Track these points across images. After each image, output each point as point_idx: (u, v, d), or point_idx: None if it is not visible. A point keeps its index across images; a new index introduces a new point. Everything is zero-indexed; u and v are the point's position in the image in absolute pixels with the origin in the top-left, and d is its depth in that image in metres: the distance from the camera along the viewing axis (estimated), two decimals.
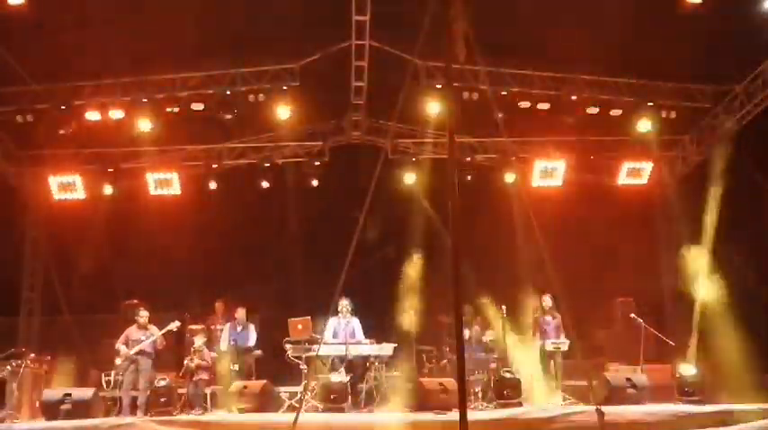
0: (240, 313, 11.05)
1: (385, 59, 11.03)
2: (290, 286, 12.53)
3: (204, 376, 10.08)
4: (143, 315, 10.07)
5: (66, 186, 12.99)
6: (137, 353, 9.83)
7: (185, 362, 10.19)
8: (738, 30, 9.88)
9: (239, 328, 10.99)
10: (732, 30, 9.82)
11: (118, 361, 9.93)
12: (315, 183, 13.45)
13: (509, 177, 13.12)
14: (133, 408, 9.73)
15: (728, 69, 11.50)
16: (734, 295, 10.68)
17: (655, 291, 12.73)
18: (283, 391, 10.16)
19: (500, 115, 10.14)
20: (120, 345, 9.94)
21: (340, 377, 9.62)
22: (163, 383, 9.61)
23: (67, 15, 9.62)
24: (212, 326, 11.43)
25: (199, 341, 10.33)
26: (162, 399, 9.44)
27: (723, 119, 12.33)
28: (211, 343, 11.09)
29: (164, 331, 10.04)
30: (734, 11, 9.64)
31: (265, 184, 13.33)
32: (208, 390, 10.13)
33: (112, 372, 10.38)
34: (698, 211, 11.67)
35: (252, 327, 11.05)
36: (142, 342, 9.89)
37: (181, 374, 10.29)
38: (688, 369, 10.10)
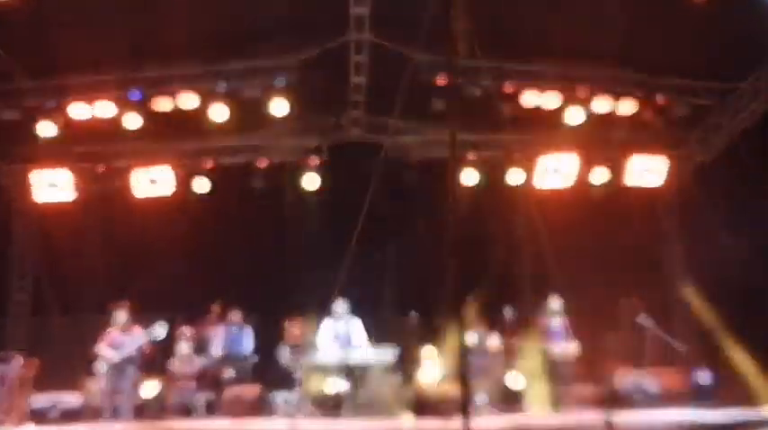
0: (236, 316, 10.82)
1: (385, 55, 10.79)
2: (287, 288, 12.30)
3: (191, 383, 9.81)
4: (119, 321, 9.68)
5: (55, 185, 12.70)
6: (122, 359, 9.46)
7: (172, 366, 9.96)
8: (745, 27, 9.72)
9: (234, 331, 10.74)
10: (739, 27, 9.68)
11: (104, 366, 9.48)
12: (312, 181, 13.20)
13: (513, 175, 12.89)
14: (118, 414, 9.35)
15: (735, 67, 11.33)
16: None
17: (663, 292, 12.56)
18: (279, 397, 9.91)
19: (504, 112, 9.97)
20: (105, 349, 9.54)
21: (338, 382, 9.37)
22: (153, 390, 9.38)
23: (57, 10, 9.37)
24: (205, 331, 11.18)
25: (184, 347, 10.08)
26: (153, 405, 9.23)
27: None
28: (205, 347, 10.85)
29: (149, 339, 9.65)
30: (740, 7, 9.44)
31: (260, 183, 13.07)
32: (201, 396, 9.88)
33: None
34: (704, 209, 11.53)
35: (247, 331, 10.80)
36: (128, 346, 9.53)
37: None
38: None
